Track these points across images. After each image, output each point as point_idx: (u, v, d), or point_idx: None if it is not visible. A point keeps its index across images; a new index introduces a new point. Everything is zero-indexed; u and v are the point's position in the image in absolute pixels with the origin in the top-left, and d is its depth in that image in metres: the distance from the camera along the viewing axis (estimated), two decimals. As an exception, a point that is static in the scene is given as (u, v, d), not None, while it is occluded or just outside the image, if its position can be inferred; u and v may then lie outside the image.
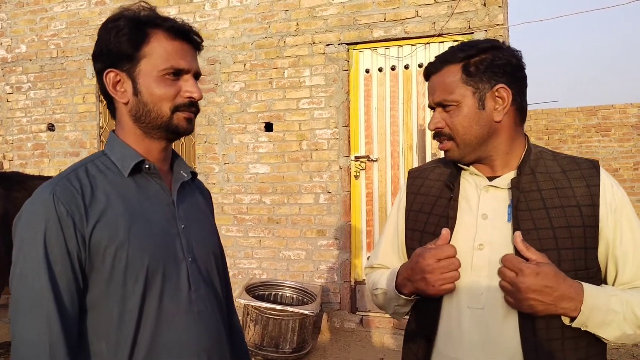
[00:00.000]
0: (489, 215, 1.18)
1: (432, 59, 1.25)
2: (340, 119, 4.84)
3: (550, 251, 1.11)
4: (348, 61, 4.86)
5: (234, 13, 5.18)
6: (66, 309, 0.99)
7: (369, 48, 4.83)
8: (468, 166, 1.24)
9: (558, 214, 1.13)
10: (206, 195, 1.36)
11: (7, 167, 6.01)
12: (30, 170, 5.72)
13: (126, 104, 1.12)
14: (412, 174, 1.40)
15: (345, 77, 4.84)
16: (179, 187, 1.18)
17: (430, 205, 1.27)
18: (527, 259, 1.08)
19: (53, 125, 5.89)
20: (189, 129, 1.15)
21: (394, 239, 1.38)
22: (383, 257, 1.40)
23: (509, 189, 1.19)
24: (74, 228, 1.01)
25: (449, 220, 1.21)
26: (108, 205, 1.05)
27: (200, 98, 1.14)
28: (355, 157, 4.86)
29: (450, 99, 1.18)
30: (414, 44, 4.67)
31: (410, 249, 1.29)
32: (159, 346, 1.06)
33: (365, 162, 4.83)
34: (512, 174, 1.21)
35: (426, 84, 1.27)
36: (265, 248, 5.06)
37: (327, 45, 4.87)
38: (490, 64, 1.17)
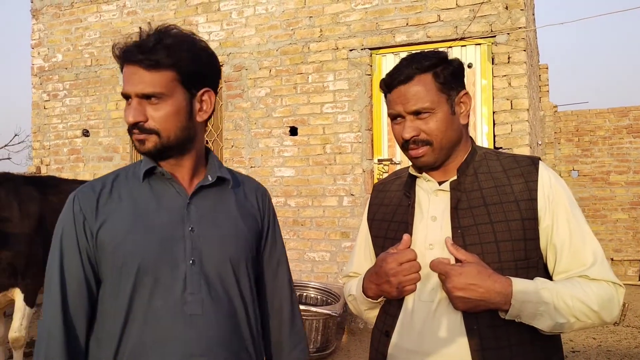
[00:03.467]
0: (438, 217, 1.26)
1: (392, 70, 1.28)
2: (363, 122, 4.90)
3: (489, 244, 1.20)
4: (371, 66, 4.92)
5: (260, 21, 5.31)
6: (70, 297, 1.12)
7: (392, 52, 4.88)
8: (421, 173, 1.31)
9: (497, 210, 1.22)
10: (253, 196, 1.31)
11: (44, 171, 6.28)
12: (66, 175, 5.97)
13: None
14: (377, 188, 1.49)
15: (368, 81, 4.91)
16: (204, 191, 1.20)
17: (391, 214, 1.36)
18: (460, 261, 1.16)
19: (87, 131, 6.13)
20: (142, 150, 1.15)
21: (366, 248, 1.46)
22: (357, 266, 1.48)
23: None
24: (84, 224, 1.14)
25: (407, 226, 1.29)
26: (118, 207, 1.15)
27: (131, 122, 1.12)
28: (379, 160, 4.92)
29: (428, 106, 1.22)
30: (436, 48, 4.71)
31: (376, 255, 1.37)
32: (145, 345, 1.09)
33: (388, 165, 4.89)
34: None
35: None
36: (290, 250, 5.15)
37: (350, 50, 4.95)
38: (453, 72, 1.25)
